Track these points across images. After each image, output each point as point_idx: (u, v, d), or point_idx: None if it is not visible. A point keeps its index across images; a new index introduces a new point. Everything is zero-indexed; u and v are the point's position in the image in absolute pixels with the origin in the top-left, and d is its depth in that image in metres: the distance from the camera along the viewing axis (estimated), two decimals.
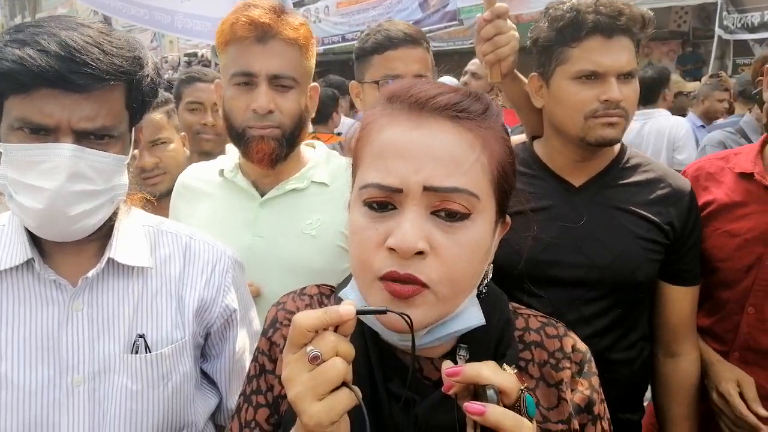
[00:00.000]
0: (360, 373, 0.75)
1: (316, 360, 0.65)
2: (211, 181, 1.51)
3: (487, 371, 0.69)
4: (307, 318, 0.66)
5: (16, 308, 1.01)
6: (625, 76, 1.33)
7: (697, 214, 1.45)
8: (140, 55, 1.02)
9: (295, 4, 10.99)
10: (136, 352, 1.05)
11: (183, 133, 2.06)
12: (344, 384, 0.66)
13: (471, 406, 0.67)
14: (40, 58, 0.90)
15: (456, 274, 0.72)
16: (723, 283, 1.49)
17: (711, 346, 1.52)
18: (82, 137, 0.97)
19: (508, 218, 0.84)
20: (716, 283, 1.49)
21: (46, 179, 0.94)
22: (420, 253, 0.70)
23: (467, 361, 0.75)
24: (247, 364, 1.20)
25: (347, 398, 0.66)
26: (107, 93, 0.98)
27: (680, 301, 1.46)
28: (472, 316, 0.78)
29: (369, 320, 0.78)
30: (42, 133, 0.95)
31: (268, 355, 0.88)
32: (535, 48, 1.42)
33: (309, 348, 0.65)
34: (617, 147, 1.47)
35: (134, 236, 1.11)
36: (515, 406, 0.69)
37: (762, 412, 1.37)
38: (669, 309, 1.47)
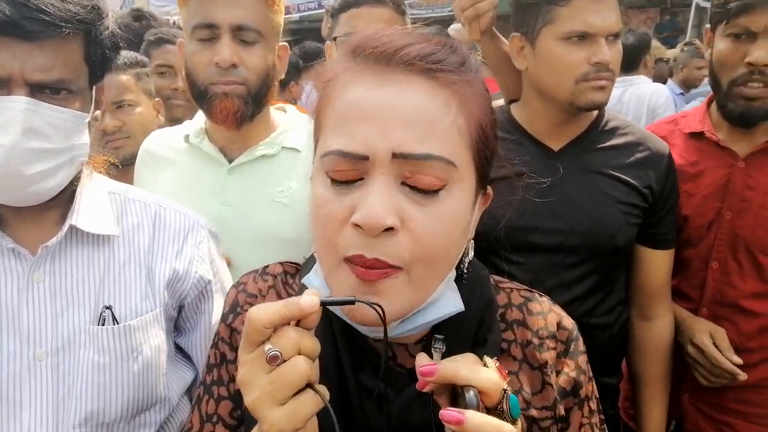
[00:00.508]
0: (327, 364, 0.69)
1: (275, 360, 0.57)
2: (175, 147, 1.44)
3: (465, 371, 0.62)
4: (263, 313, 0.58)
5: None
6: (613, 37, 1.29)
7: (674, 177, 1.45)
8: (98, 4, 0.96)
9: None
10: (103, 324, 1.00)
11: (158, 99, 1.95)
12: (308, 385, 0.59)
13: (447, 414, 0.59)
14: None
15: (432, 253, 0.64)
16: (686, 242, 1.52)
17: (680, 304, 1.55)
18: (37, 90, 0.91)
19: (489, 189, 0.76)
20: (680, 243, 1.52)
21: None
22: (390, 229, 0.62)
23: (444, 354, 0.67)
24: None
25: (312, 402, 0.58)
26: (63, 43, 0.91)
27: (657, 264, 1.47)
28: (449, 302, 0.70)
29: (336, 309, 0.70)
30: None
31: (229, 343, 0.81)
32: (518, 6, 1.36)
33: (267, 347, 0.57)
34: (595, 111, 1.44)
35: (99, 203, 1.05)
36: (498, 407, 0.62)
37: (736, 359, 1.41)
38: (645, 272, 1.47)
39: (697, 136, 1.52)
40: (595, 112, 1.44)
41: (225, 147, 1.39)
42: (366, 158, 0.62)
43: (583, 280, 1.37)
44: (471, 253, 0.77)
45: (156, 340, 1.05)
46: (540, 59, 1.33)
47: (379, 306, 0.62)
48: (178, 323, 1.14)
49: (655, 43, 5.25)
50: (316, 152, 0.70)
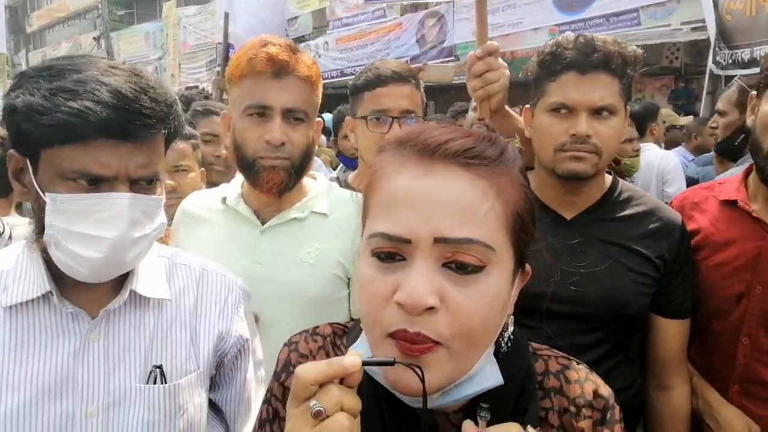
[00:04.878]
0: (372, 428, 0.72)
1: (319, 416, 0.62)
2: (212, 208, 1.54)
3: None
4: (309, 371, 0.64)
5: (32, 341, 1.00)
6: (598, 112, 1.34)
7: (687, 248, 1.46)
8: (174, 99, 1.04)
9: (295, 41, 11.28)
10: (153, 383, 1.04)
11: (203, 169, 2.13)
12: None
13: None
14: (99, 110, 0.91)
15: (470, 330, 0.68)
16: (714, 314, 1.47)
17: (708, 380, 1.50)
18: (134, 183, 0.99)
19: (528, 267, 0.80)
20: (708, 315, 1.48)
21: (105, 229, 0.95)
22: (431, 308, 0.66)
23: (489, 423, 0.72)
24: (252, 392, 1.21)
25: None
26: (154, 139, 1.00)
27: (671, 333, 1.46)
28: (489, 377, 0.74)
29: (379, 377, 0.73)
30: (98, 183, 0.96)
31: (282, 400, 0.84)
32: (531, 81, 1.47)
33: (312, 402, 0.63)
34: (608, 180, 1.49)
35: (153, 268, 1.11)
36: None
37: None
38: (659, 341, 1.47)
39: (730, 204, 1.49)
40: (608, 183, 1.48)
41: (259, 210, 1.49)
42: (409, 242, 0.67)
43: (595, 346, 1.38)
44: (511, 328, 0.81)
45: (198, 399, 1.09)
46: (534, 129, 1.43)
47: (419, 367, 0.66)
48: (214, 379, 1.17)
49: (667, 111, 5.34)
50: (363, 231, 0.75)
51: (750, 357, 1.43)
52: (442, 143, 0.70)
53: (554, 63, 1.37)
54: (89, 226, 0.95)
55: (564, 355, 0.88)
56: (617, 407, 0.85)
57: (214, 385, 1.18)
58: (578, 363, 0.87)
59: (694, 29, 7.39)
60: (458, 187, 0.69)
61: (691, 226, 1.52)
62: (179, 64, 15.35)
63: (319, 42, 11.51)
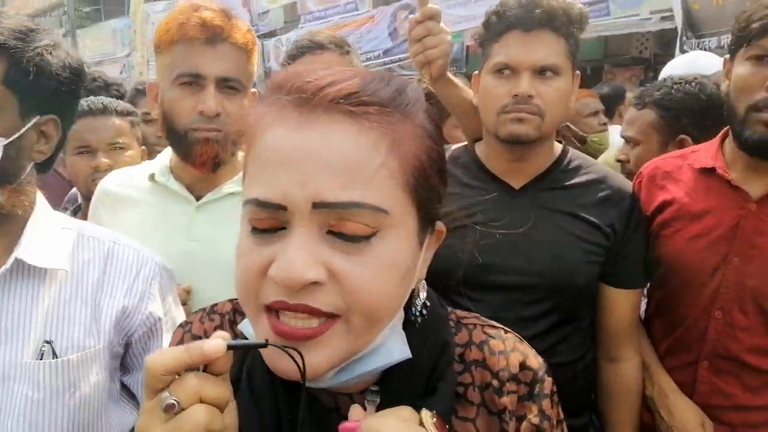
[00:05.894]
0: (265, 418, 0.65)
1: (171, 409, 0.53)
2: (139, 186, 1.45)
3: (390, 429, 0.58)
4: (160, 360, 0.54)
5: None
6: (541, 72, 1.30)
7: (639, 216, 1.42)
8: (29, 32, 0.94)
9: (266, 35, 11.14)
10: (41, 358, 0.97)
11: (143, 147, 2.05)
12: None
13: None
14: None
15: (366, 303, 0.59)
16: (685, 289, 1.42)
17: (675, 357, 1.46)
18: None
19: (440, 225, 0.69)
20: (677, 289, 1.43)
21: None
22: (315, 283, 0.57)
23: (378, 407, 0.64)
24: None
25: None
26: None
27: (621, 304, 1.43)
28: (394, 349, 0.65)
29: (265, 355, 0.63)
30: None
31: None
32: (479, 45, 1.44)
33: (164, 394, 0.54)
34: (558, 149, 1.45)
35: (50, 237, 1.04)
36: None
37: None
38: (609, 312, 1.43)
39: (707, 172, 1.42)
40: (557, 151, 1.44)
41: (192, 185, 1.41)
42: (284, 208, 0.58)
43: (542, 318, 1.34)
44: (423, 295, 0.72)
45: (96, 378, 1.02)
46: (480, 93, 1.39)
47: (297, 351, 0.57)
48: (125, 361, 1.11)
49: (633, 95, 5.35)
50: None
51: (722, 332, 1.37)
52: (322, 87, 0.59)
53: (498, 23, 1.34)
54: None
55: (493, 324, 0.79)
56: (548, 379, 0.76)
57: (126, 367, 1.12)
58: (506, 332, 0.78)
59: (662, 18, 7.45)
60: (342, 140, 0.58)
61: (663, 197, 1.47)
62: (147, 61, 15.06)
63: (291, 36, 11.36)
